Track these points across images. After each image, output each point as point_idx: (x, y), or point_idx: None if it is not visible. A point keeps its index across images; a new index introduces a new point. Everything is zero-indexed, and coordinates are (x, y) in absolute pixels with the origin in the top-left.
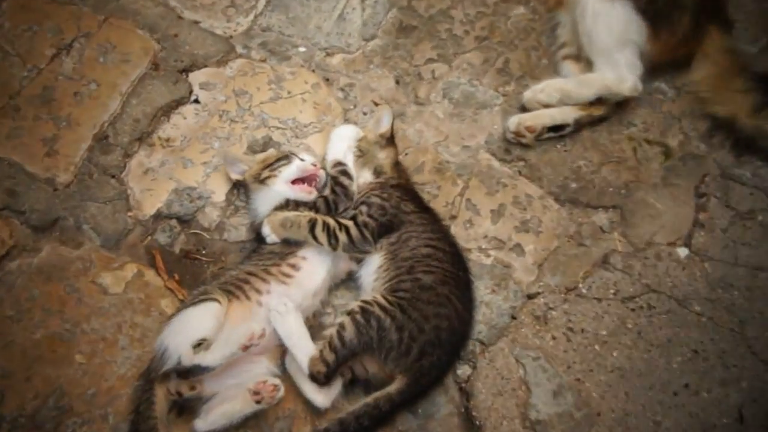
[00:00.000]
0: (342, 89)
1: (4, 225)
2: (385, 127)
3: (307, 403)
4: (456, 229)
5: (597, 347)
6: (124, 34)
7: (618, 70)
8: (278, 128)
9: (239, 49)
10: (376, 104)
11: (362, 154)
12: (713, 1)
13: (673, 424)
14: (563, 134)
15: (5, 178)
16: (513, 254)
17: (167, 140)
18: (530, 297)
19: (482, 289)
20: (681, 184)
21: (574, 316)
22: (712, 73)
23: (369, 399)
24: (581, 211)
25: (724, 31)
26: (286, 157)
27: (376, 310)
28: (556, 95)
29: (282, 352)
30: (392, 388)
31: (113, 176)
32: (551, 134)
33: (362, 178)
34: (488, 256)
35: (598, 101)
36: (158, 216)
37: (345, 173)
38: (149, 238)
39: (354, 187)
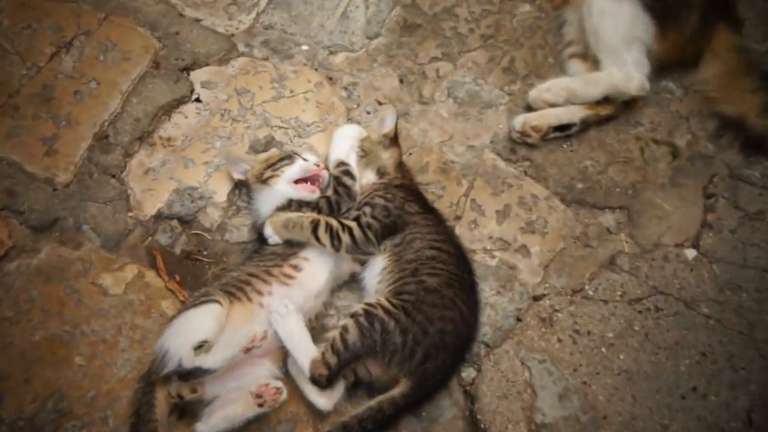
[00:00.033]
0: (345, 88)
1: (2, 225)
2: (388, 127)
3: (310, 406)
4: (461, 230)
5: (603, 350)
6: (125, 32)
7: (625, 69)
8: (280, 127)
9: (241, 48)
10: (380, 103)
11: (365, 154)
12: None
13: (681, 428)
14: (569, 134)
15: (4, 178)
16: (518, 255)
17: (168, 139)
18: (536, 299)
19: (487, 291)
20: (689, 184)
21: (581, 318)
22: (720, 72)
23: (373, 402)
24: (587, 212)
25: (733, 30)
26: (288, 157)
27: (380, 313)
28: (563, 94)
29: (284, 354)
30: (396, 391)
31: (113, 176)
32: (557, 134)
33: (365, 178)
34: (493, 257)
35: (605, 100)
36: (159, 216)
37: (348, 173)
38: (150, 238)
39: (357, 188)
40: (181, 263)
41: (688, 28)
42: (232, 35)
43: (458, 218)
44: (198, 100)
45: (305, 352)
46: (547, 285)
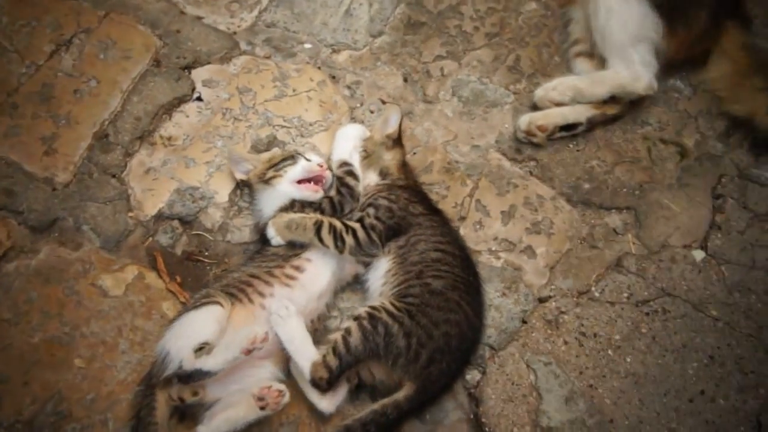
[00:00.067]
0: (348, 87)
1: (1, 225)
2: (392, 128)
3: (313, 409)
4: (465, 231)
5: (610, 352)
6: (125, 30)
7: (632, 68)
8: (283, 127)
9: (243, 46)
10: (384, 102)
11: (367, 155)
12: None
13: None
14: (576, 133)
15: (3, 178)
16: (524, 256)
17: (169, 139)
18: (541, 300)
19: (492, 292)
20: (697, 184)
21: (587, 321)
22: (729, 71)
23: (376, 406)
24: (594, 213)
25: (743, 28)
26: (291, 157)
27: (384, 316)
28: (569, 93)
29: (287, 355)
30: (400, 394)
31: (114, 176)
32: (563, 133)
33: (367, 179)
34: (498, 258)
35: (612, 100)
36: (160, 217)
37: (351, 174)
38: (150, 239)
39: (360, 188)
40: (182, 264)
41: (697, 26)
42: (234, 33)
43: (463, 219)
44: (199, 98)
45: (306, 354)
46: (552, 286)
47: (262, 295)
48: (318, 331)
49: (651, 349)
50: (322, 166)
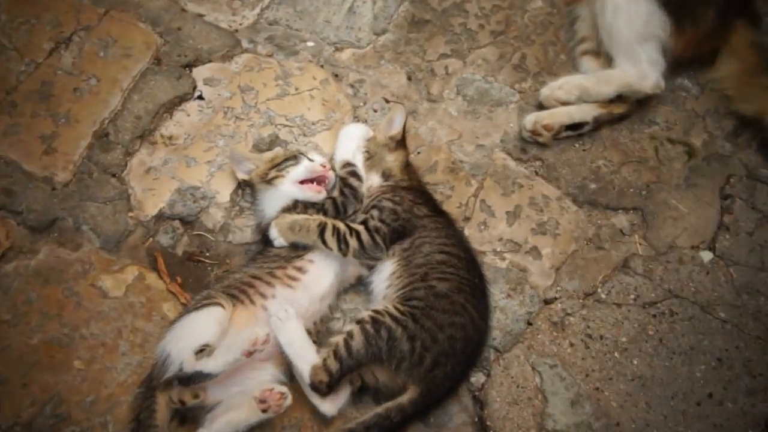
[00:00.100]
0: (351, 85)
1: (0, 225)
2: (396, 129)
3: (315, 412)
4: (470, 231)
5: (616, 355)
6: (126, 28)
7: (639, 66)
8: (285, 126)
9: (245, 44)
10: (387, 101)
11: (370, 156)
12: None
13: None
14: (582, 133)
15: (2, 177)
16: (529, 257)
17: (170, 138)
18: (547, 302)
19: (497, 294)
20: (705, 185)
21: (593, 323)
22: (738, 70)
23: (380, 409)
24: (600, 213)
25: (752, 26)
26: (294, 157)
27: (387, 320)
28: (575, 92)
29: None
30: (404, 398)
31: (114, 175)
32: (569, 133)
33: (370, 180)
34: (503, 259)
35: (619, 99)
36: (160, 217)
37: (354, 174)
38: (151, 239)
39: (363, 189)
40: (182, 265)
41: (705, 25)
42: (236, 31)
43: (467, 219)
44: (200, 97)
45: (305, 358)
46: (558, 288)
47: (263, 296)
48: (320, 333)
49: (658, 351)
50: (325, 166)
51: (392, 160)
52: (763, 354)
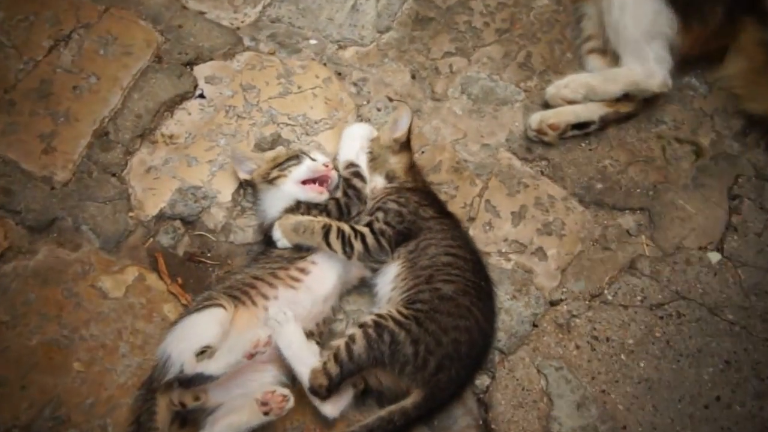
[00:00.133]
0: (355, 84)
1: None
2: (401, 131)
3: (318, 415)
4: (475, 232)
5: (623, 357)
6: (126, 25)
7: (646, 65)
8: (287, 125)
9: (247, 42)
10: (391, 100)
11: (373, 157)
12: None
13: None
14: (588, 132)
15: (0, 176)
16: (535, 258)
17: (171, 137)
18: (553, 304)
19: (502, 295)
20: (713, 185)
21: (599, 324)
22: (746, 68)
23: (383, 412)
24: (607, 214)
25: (761, 23)
26: (296, 157)
27: (390, 324)
28: (581, 91)
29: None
30: (408, 401)
31: (114, 175)
32: (575, 132)
33: (374, 181)
34: (508, 260)
35: (626, 97)
36: (161, 217)
37: (358, 175)
38: (151, 239)
39: (367, 190)
40: (183, 265)
41: (713, 22)
42: (238, 29)
43: (472, 220)
44: (202, 96)
45: (304, 361)
46: (564, 289)
47: (265, 297)
48: (323, 335)
49: (665, 353)
50: (327, 166)
51: (395, 162)
52: None
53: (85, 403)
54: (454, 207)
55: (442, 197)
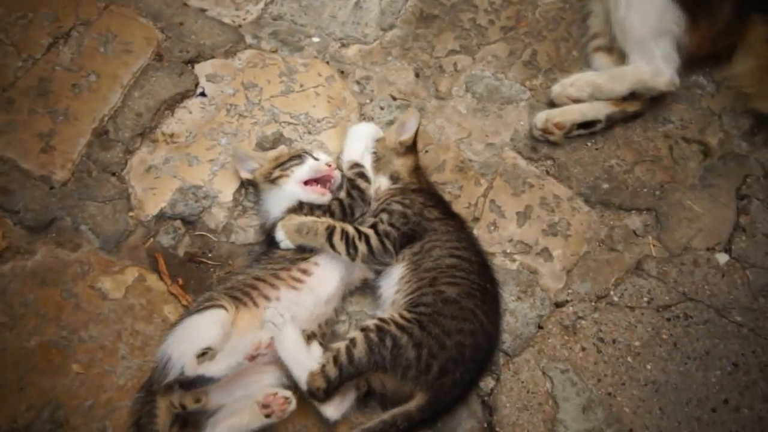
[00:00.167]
0: (358, 82)
1: None
2: (407, 134)
3: (320, 418)
4: (479, 232)
5: (629, 359)
6: (126, 23)
7: (653, 63)
8: (289, 123)
9: (249, 39)
10: (394, 99)
11: (377, 158)
12: None
13: None
14: (594, 131)
15: None
16: (540, 259)
17: (171, 136)
18: (558, 305)
19: (507, 297)
20: (721, 185)
21: (605, 326)
22: (755, 67)
23: (386, 416)
24: (613, 214)
25: None
26: (299, 156)
27: (393, 328)
28: (587, 90)
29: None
30: (411, 405)
31: (113, 174)
32: (581, 131)
33: (378, 182)
34: (513, 260)
35: (632, 96)
36: (161, 216)
37: (362, 175)
38: (151, 240)
39: (371, 191)
40: (184, 266)
41: (721, 20)
42: (239, 26)
43: (477, 220)
44: (203, 94)
45: (302, 363)
46: (570, 290)
47: (267, 298)
48: (325, 336)
49: (672, 356)
50: (330, 166)
51: (400, 164)
52: None
53: (84, 406)
54: (459, 207)
55: (446, 197)
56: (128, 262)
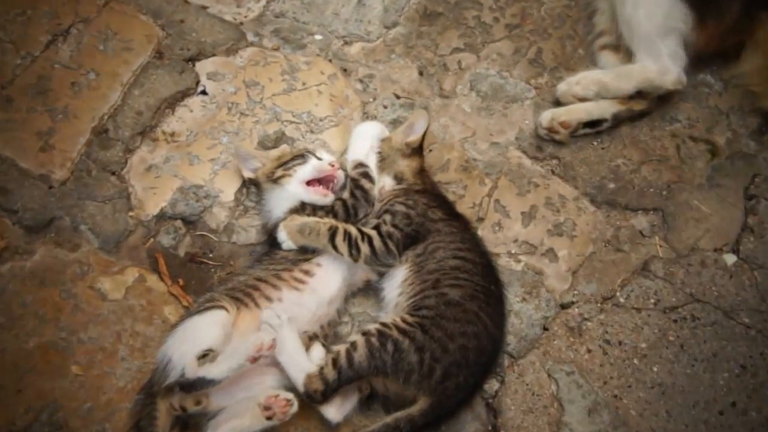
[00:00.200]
0: (361, 80)
1: None
2: (415, 136)
3: (323, 420)
4: (484, 233)
5: (636, 361)
6: (126, 20)
7: (660, 61)
8: (292, 122)
9: (250, 37)
10: (398, 97)
11: (382, 158)
12: None
13: None
14: (600, 130)
15: None
16: (545, 260)
17: (172, 135)
18: (564, 306)
19: (512, 298)
20: (729, 185)
21: (611, 328)
22: (763, 65)
23: (389, 419)
24: (619, 214)
25: None
26: (302, 156)
27: (394, 333)
28: (593, 88)
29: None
30: (414, 409)
31: (113, 173)
32: (587, 130)
33: (382, 182)
34: (518, 261)
35: (639, 95)
36: (162, 216)
37: (366, 175)
38: (152, 240)
39: (375, 192)
40: (185, 266)
41: (729, 18)
42: (241, 24)
43: (481, 220)
44: (204, 92)
45: (299, 365)
46: (575, 292)
47: (269, 299)
48: (328, 337)
49: (679, 358)
50: (333, 166)
51: (405, 165)
52: None
53: (83, 408)
54: (463, 207)
55: (450, 197)
56: (128, 262)
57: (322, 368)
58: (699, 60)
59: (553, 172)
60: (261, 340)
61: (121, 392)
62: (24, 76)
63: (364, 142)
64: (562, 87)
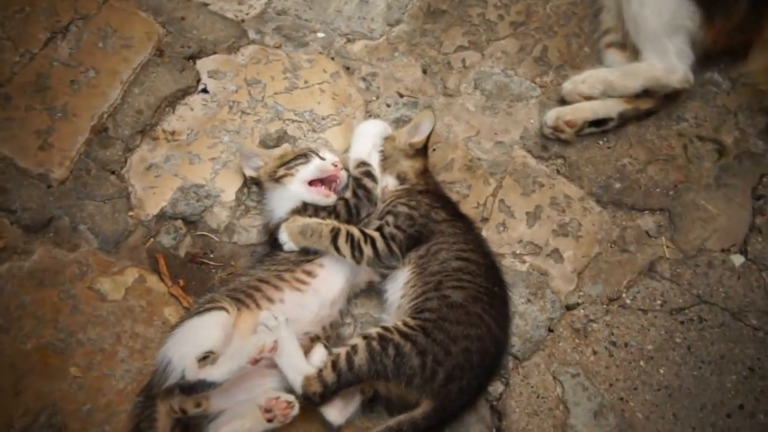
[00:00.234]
0: (364, 79)
1: None
2: (420, 137)
3: (324, 423)
4: (488, 233)
5: (642, 363)
6: (126, 17)
7: (667, 60)
8: (294, 121)
9: (252, 35)
10: (401, 96)
11: (385, 156)
12: None
13: None
14: (606, 129)
15: None
16: (550, 260)
17: (172, 133)
18: (569, 308)
19: (517, 299)
20: (736, 185)
21: (617, 329)
22: None
23: (391, 422)
24: (625, 214)
25: None
26: (304, 155)
27: (396, 337)
28: (599, 87)
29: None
30: (417, 412)
31: (113, 172)
32: (593, 129)
33: (384, 182)
34: (523, 262)
35: (645, 93)
36: (162, 216)
37: (369, 174)
38: (152, 240)
39: (378, 191)
40: (185, 267)
41: (737, 15)
42: (242, 21)
43: (485, 220)
44: (205, 90)
45: (296, 367)
46: (581, 293)
47: (271, 300)
48: (330, 339)
49: (686, 360)
50: (336, 165)
51: (408, 165)
52: None
53: (82, 410)
54: (467, 207)
55: (454, 197)
56: (128, 262)
57: (321, 370)
58: (706, 58)
59: (558, 171)
60: (263, 342)
61: (121, 394)
62: (22, 74)
63: (367, 140)
64: (567, 86)
